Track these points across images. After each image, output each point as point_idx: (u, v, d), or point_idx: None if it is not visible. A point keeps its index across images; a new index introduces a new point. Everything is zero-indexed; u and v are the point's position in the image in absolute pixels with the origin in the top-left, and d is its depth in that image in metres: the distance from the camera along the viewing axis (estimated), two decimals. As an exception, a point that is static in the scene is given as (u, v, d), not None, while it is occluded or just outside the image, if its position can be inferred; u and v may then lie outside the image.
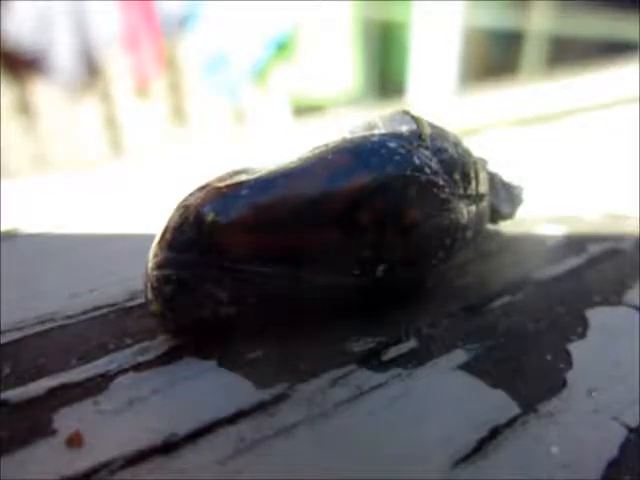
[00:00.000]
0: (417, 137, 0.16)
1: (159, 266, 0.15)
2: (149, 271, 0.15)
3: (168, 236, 0.15)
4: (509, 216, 0.20)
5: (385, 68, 1.48)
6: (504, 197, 0.20)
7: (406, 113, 0.17)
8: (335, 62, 1.40)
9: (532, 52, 1.30)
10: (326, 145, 0.16)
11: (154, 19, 1.19)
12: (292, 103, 1.39)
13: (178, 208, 0.15)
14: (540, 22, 1.28)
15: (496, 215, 0.19)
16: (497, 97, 0.43)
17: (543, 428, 0.13)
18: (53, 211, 0.24)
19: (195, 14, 1.24)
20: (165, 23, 1.21)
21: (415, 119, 0.16)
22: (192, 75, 1.29)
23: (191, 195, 0.15)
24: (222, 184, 0.15)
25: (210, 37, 1.26)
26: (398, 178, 0.15)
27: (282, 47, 1.33)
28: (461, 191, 0.16)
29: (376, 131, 0.16)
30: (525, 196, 0.21)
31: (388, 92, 1.39)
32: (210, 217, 0.14)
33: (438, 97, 1.26)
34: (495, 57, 1.43)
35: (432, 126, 0.17)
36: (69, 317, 0.17)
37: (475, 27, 1.36)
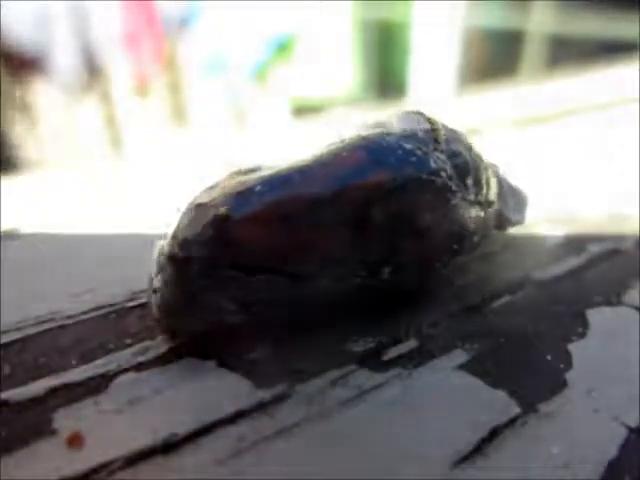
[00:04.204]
0: (433, 140, 0.16)
1: (167, 280, 0.14)
2: (156, 283, 0.15)
3: (180, 235, 0.14)
4: (517, 223, 0.20)
5: (385, 68, 1.48)
6: (512, 204, 0.19)
7: (420, 114, 0.16)
8: (335, 62, 1.40)
9: (532, 52, 1.30)
10: (341, 142, 0.15)
11: (155, 19, 1.19)
12: (292, 103, 1.39)
13: (189, 208, 0.15)
14: (540, 22, 1.28)
15: (504, 222, 0.19)
16: (497, 97, 0.43)
17: (543, 428, 0.13)
18: (53, 211, 0.24)
19: (195, 14, 1.24)
20: (165, 23, 1.21)
21: (430, 121, 0.16)
22: (192, 75, 1.29)
23: (202, 194, 0.15)
24: (235, 182, 0.15)
25: (210, 37, 1.26)
26: (415, 180, 0.15)
27: (282, 47, 1.33)
28: (472, 197, 0.16)
29: (390, 131, 0.16)
30: (531, 201, 0.20)
31: (388, 92, 1.39)
32: (225, 213, 0.14)
33: (438, 97, 1.26)
34: (495, 57, 1.43)
35: (446, 128, 0.17)
36: (69, 317, 0.17)
37: (475, 27, 1.36)
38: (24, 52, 1.10)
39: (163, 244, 0.15)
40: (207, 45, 1.27)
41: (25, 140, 1.16)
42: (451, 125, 0.17)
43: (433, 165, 0.15)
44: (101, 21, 1.14)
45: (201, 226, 0.14)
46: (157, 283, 0.15)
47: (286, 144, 0.33)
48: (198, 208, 0.14)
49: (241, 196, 0.14)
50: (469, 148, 0.17)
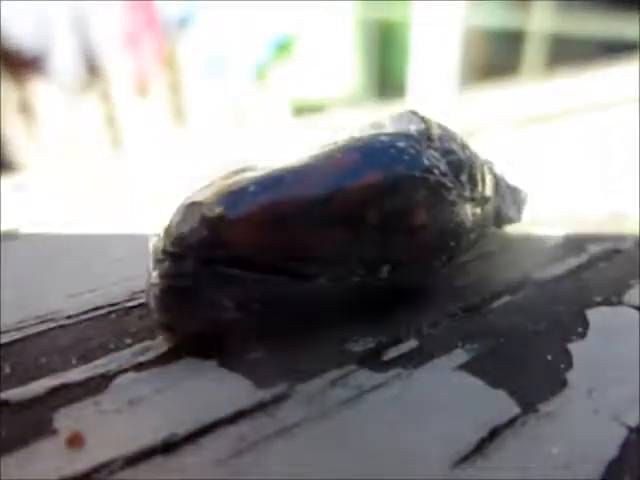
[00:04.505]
0: (426, 138, 0.16)
1: (162, 275, 0.14)
2: (152, 279, 0.15)
3: (173, 233, 0.14)
4: (515, 220, 0.20)
5: (385, 68, 1.48)
6: (510, 201, 0.19)
7: (414, 113, 0.16)
8: (335, 62, 1.40)
9: (532, 52, 1.30)
10: (335, 143, 0.16)
11: (154, 19, 1.19)
12: (292, 103, 1.39)
13: (183, 206, 0.15)
14: (540, 22, 1.28)
15: (502, 219, 0.19)
16: (497, 97, 0.43)
17: (543, 428, 0.13)
18: (53, 211, 0.24)
19: (195, 14, 1.24)
20: (165, 23, 1.21)
21: (423, 119, 0.16)
22: (192, 75, 1.29)
23: (197, 193, 0.15)
24: (230, 181, 0.15)
25: (210, 37, 1.26)
26: (408, 179, 0.15)
27: (282, 47, 1.33)
28: (467, 194, 0.16)
29: (384, 131, 0.16)
30: (530, 199, 0.20)
31: (388, 92, 1.39)
32: (218, 212, 0.14)
33: (438, 97, 1.26)
34: (495, 57, 1.43)
35: (440, 127, 0.17)
36: (69, 317, 0.17)
37: (475, 27, 1.36)
38: (24, 52, 1.10)
39: (158, 240, 0.15)
40: (207, 45, 1.27)
41: (25, 140, 1.16)
42: (448, 124, 0.17)
43: (426, 162, 0.15)
44: (101, 21, 1.14)
45: (194, 225, 0.14)
46: (153, 279, 0.15)
47: (286, 144, 0.33)
48: (192, 206, 0.14)
49: (235, 196, 0.14)
50: (463, 146, 0.17)
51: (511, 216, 0.20)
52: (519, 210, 0.20)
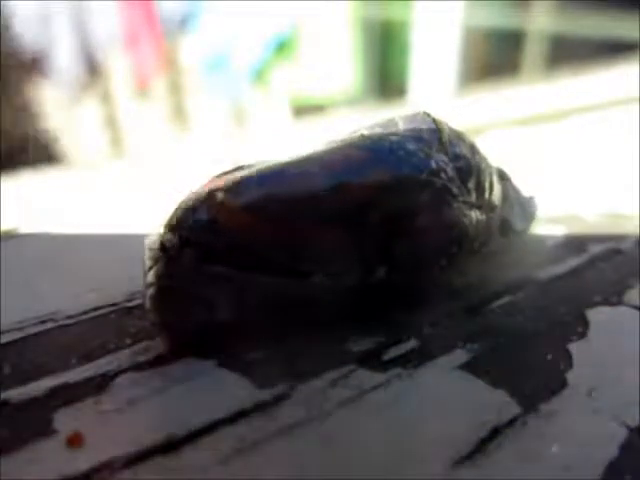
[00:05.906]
0: (436, 141, 0.16)
1: (158, 276, 0.14)
2: (148, 280, 0.15)
3: (175, 219, 0.14)
4: (522, 231, 0.20)
5: (385, 68, 1.48)
6: (518, 212, 0.19)
7: (427, 115, 0.16)
8: (335, 62, 1.40)
9: (532, 52, 1.30)
10: (343, 140, 0.15)
11: (154, 19, 1.19)
12: (292, 103, 1.39)
13: (187, 195, 0.15)
14: (540, 22, 1.28)
15: (508, 229, 0.19)
16: (497, 97, 0.43)
17: (543, 428, 0.13)
18: (53, 211, 0.24)
19: (195, 14, 1.24)
20: (165, 23, 1.21)
21: (435, 122, 0.16)
22: (192, 75, 1.29)
23: (199, 189, 0.15)
24: (234, 174, 0.15)
25: (210, 37, 1.26)
26: (414, 180, 0.15)
27: (282, 47, 1.33)
28: (473, 200, 0.16)
29: (395, 130, 0.16)
30: (538, 210, 0.20)
31: (388, 92, 1.39)
32: (219, 198, 0.14)
33: (438, 97, 1.26)
34: (495, 57, 1.43)
35: (452, 131, 0.17)
36: (69, 317, 0.17)
37: (475, 27, 1.36)
38: (24, 52, 1.10)
39: (155, 237, 0.15)
40: (207, 45, 1.27)
41: (25, 140, 1.16)
42: (455, 127, 0.17)
43: (434, 165, 0.15)
44: (101, 21, 1.14)
45: (196, 211, 0.14)
46: (149, 279, 0.15)
47: (286, 144, 0.33)
48: (194, 195, 0.14)
49: (238, 185, 0.14)
50: (474, 151, 0.17)
51: (518, 227, 0.19)
52: (527, 222, 0.20)
